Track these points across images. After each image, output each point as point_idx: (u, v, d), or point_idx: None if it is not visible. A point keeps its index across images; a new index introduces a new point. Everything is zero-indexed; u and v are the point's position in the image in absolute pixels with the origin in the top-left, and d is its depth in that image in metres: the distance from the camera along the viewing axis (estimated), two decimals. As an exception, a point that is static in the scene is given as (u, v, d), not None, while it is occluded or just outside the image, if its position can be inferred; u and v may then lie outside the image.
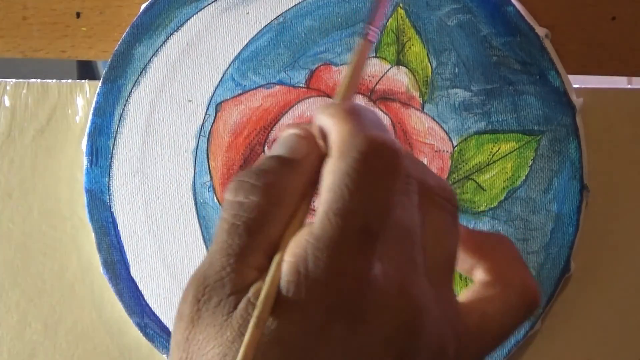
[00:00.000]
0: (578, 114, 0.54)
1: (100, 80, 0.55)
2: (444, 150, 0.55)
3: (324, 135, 0.37)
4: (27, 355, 0.59)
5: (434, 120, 0.55)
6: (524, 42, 0.54)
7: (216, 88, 0.55)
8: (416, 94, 0.55)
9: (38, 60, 0.60)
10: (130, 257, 0.56)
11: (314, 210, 0.56)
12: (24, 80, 0.58)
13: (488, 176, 0.55)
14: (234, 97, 0.55)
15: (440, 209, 0.37)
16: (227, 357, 0.33)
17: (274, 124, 0.55)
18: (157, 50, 0.55)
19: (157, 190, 0.56)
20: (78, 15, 0.58)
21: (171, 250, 0.56)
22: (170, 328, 0.56)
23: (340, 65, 0.55)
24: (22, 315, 0.59)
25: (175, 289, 0.56)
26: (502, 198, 0.55)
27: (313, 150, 0.37)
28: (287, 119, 0.55)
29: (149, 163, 0.56)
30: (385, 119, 0.55)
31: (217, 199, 0.56)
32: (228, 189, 0.36)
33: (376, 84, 0.55)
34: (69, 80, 0.58)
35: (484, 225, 0.55)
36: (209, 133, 0.55)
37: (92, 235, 0.56)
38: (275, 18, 0.55)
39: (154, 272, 0.56)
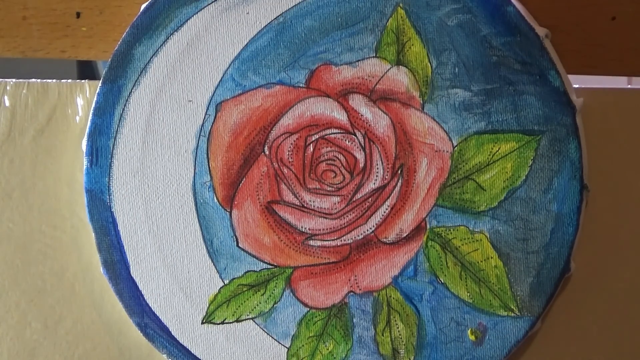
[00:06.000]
0: (578, 114, 0.54)
1: (100, 80, 0.55)
2: (444, 150, 0.55)
3: None
4: (27, 355, 0.59)
5: (434, 120, 0.55)
6: (524, 42, 0.54)
7: (216, 88, 0.55)
8: (416, 93, 0.55)
9: (38, 60, 0.60)
10: (130, 257, 0.56)
11: (315, 210, 0.56)
12: (24, 80, 0.58)
13: (488, 176, 0.55)
14: (234, 97, 0.55)
15: None
16: None
17: (274, 124, 0.55)
18: (157, 50, 0.55)
19: (157, 190, 0.56)
20: (78, 15, 0.58)
21: (171, 250, 0.56)
22: (170, 328, 0.56)
23: (340, 65, 0.55)
24: (22, 315, 0.59)
25: (176, 289, 0.56)
26: (502, 198, 0.55)
27: None
28: (287, 119, 0.55)
29: (149, 163, 0.56)
30: (385, 119, 0.55)
31: (217, 199, 0.56)
32: None
33: (376, 84, 0.55)
34: (69, 80, 0.58)
35: (484, 225, 0.55)
36: (209, 133, 0.55)
37: (92, 235, 0.56)
38: (275, 18, 0.55)
39: (154, 272, 0.56)
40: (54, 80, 0.58)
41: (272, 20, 0.55)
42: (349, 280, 0.56)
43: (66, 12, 0.58)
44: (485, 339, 0.55)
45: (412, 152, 0.55)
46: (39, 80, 0.58)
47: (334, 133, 0.55)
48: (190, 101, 0.55)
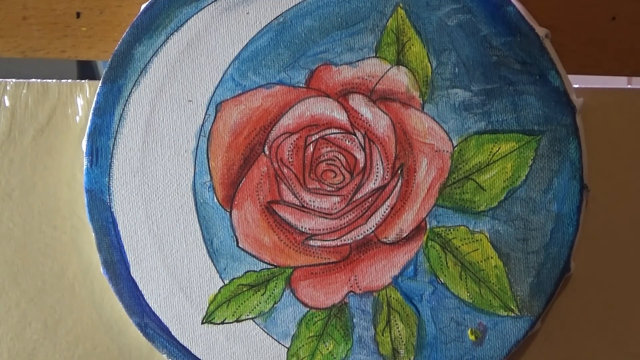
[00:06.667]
0: (578, 114, 0.54)
1: (100, 80, 0.55)
2: (444, 150, 0.55)
3: None
4: (27, 355, 0.59)
5: (434, 120, 0.55)
6: (524, 42, 0.54)
7: (216, 88, 0.55)
8: (416, 93, 0.55)
9: (38, 60, 0.60)
10: (130, 257, 0.56)
11: (315, 210, 0.56)
12: (24, 80, 0.58)
13: (488, 176, 0.55)
14: (234, 97, 0.55)
15: None
16: None
17: (274, 124, 0.55)
18: (157, 50, 0.55)
19: (157, 190, 0.56)
20: (78, 15, 0.58)
21: (171, 250, 0.56)
22: (170, 328, 0.56)
23: (340, 65, 0.55)
24: (22, 315, 0.59)
25: (176, 289, 0.56)
26: (502, 198, 0.55)
27: None
28: (287, 119, 0.55)
29: (149, 163, 0.56)
30: (385, 119, 0.55)
31: (217, 199, 0.56)
32: None
33: (376, 84, 0.55)
34: (69, 80, 0.58)
35: (484, 225, 0.55)
36: (209, 133, 0.55)
37: (92, 235, 0.56)
38: (275, 18, 0.55)
39: (154, 272, 0.56)
40: (54, 80, 0.58)
41: (272, 20, 0.55)
42: (349, 280, 0.56)
43: (66, 12, 0.58)
44: (485, 339, 0.55)
45: (412, 152, 0.55)
46: (39, 80, 0.58)
47: (334, 133, 0.55)
48: (190, 101, 0.55)
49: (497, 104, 0.54)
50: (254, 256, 0.56)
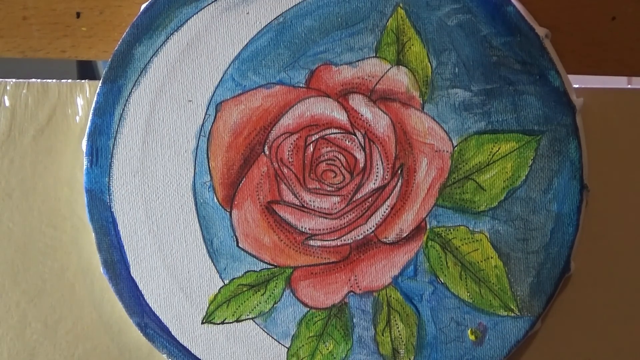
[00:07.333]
0: (578, 114, 0.54)
1: (100, 80, 0.55)
2: (444, 150, 0.55)
3: None
4: (27, 355, 0.59)
5: (434, 120, 0.55)
6: (524, 42, 0.54)
7: (216, 88, 0.55)
8: (416, 93, 0.55)
9: (38, 60, 0.60)
10: (130, 257, 0.56)
11: (315, 210, 0.56)
12: (24, 80, 0.58)
13: (488, 176, 0.55)
14: (234, 97, 0.55)
15: None
16: None
17: (274, 124, 0.55)
18: (157, 50, 0.55)
19: (157, 190, 0.56)
20: (78, 15, 0.58)
21: (171, 250, 0.56)
22: (170, 328, 0.56)
23: (340, 65, 0.55)
24: (22, 315, 0.59)
25: (176, 289, 0.56)
26: (502, 198, 0.55)
27: None
28: (287, 119, 0.55)
29: (149, 163, 0.56)
30: (385, 119, 0.55)
31: (217, 199, 0.56)
32: None
33: (376, 84, 0.55)
34: (69, 80, 0.58)
35: (484, 225, 0.55)
36: (209, 133, 0.55)
37: (92, 235, 0.56)
38: (275, 18, 0.55)
39: (154, 272, 0.56)
40: (54, 80, 0.58)
41: (272, 20, 0.55)
42: (349, 280, 0.56)
43: (66, 12, 0.58)
44: (485, 339, 0.55)
45: (412, 152, 0.55)
46: (39, 80, 0.58)
47: (334, 133, 0.55)
48: (190, 101, 0.55)
49: (497, 104, 0.54)
50: (254, 256, 0.56)
